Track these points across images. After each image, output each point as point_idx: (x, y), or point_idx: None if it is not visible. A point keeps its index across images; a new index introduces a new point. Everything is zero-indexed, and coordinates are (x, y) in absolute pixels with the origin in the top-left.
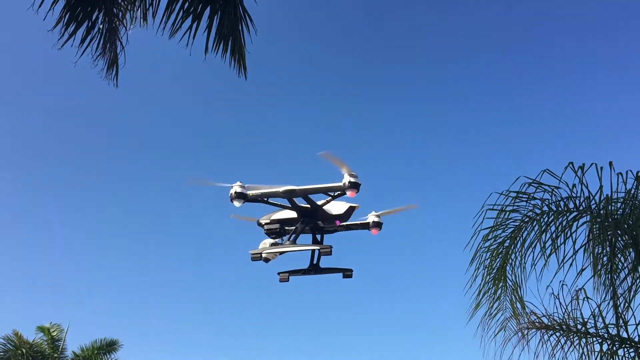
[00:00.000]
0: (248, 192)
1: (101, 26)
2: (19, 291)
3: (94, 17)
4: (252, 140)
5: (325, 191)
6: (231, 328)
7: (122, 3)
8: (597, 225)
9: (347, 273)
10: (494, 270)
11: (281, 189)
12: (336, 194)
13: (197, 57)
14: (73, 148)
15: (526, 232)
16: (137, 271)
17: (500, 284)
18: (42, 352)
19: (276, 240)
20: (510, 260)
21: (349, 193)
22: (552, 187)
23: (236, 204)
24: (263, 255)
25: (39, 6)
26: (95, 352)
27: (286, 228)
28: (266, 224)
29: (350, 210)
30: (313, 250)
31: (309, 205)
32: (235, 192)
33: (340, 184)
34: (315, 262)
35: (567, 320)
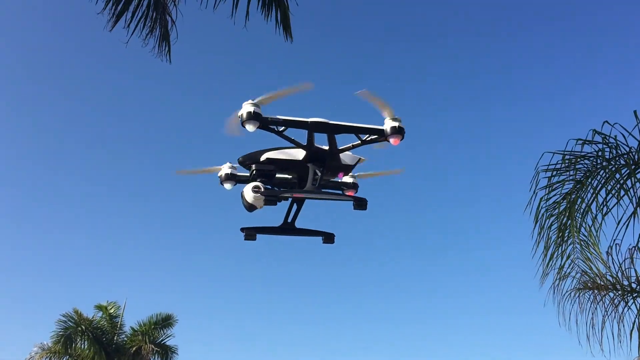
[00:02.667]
0: (267, 117)
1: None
2: (77, 269)
3: None
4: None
5: (362, 132)
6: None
7: None
8: None
9: (328, 237)
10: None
11: (309, 119)
12: (371, 138)
13: (239, 27)
14: (133, 130)
15: (582, 191)
16: (182, 246)
17: (565, 244)
18: (101, 329)
19: (264, 186)
20: (570, 220)
21: (392, 140)
22: (606, 143)
23: (227, 186)
24: (258, 201)
25: None
26: (152, 327)
27: (277, 175)
28: (259, 162)
29: (354, 166)
30: (291, 205)
31: (326, 148)
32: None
33: (382, 127)
34: (290, 220)
35: (622, 279)
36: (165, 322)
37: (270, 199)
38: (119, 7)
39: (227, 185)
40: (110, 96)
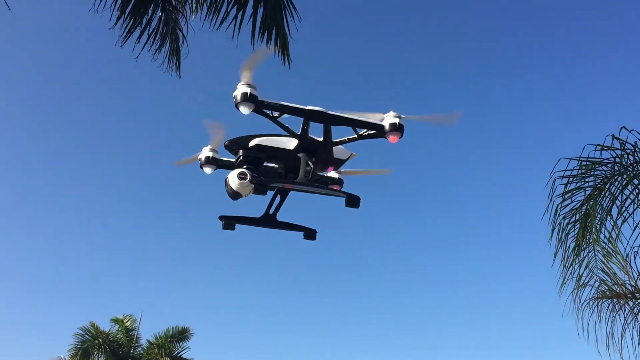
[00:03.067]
0: (263, 100)
1: (160, 16)
2: (92, 284)
3: (151, 10)
4: None
5: (360, 126)
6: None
7: None
8: None
9: (309, 234)
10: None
11: (307, 107)
12: (369, 133)
13: (242, 49)
14: (148, 141)
15: (599, 197)
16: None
17: (584, 252)
18: (118, 342)
19: (251, 174)
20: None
21: (390, 137)
22: (623, 149)
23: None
24: (244, 189)
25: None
26: (168, 340)
27: (265, 164)
28: (247, 148)
29: (345, 160)
30: (274, 197)
31: (320, 139)
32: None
33: (381, 122)
34: (272, 211)
35: None
36: (182, 335)
37: (260, 187)
38: (130, 23)
39: (207, 170)
40: (131, 110)
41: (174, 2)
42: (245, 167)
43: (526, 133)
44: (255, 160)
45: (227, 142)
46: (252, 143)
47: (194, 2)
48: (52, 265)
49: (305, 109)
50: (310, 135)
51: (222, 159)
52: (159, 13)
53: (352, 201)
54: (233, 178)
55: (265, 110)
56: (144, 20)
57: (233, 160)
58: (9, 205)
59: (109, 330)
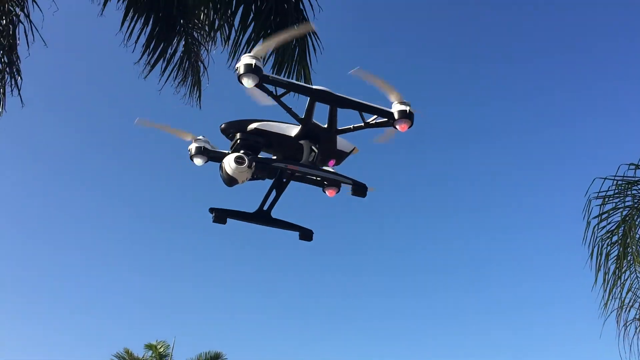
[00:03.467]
0: (268, 74)
1: (183, 50)
2: (126, 307)
3: (174, 43)
4: None
5: (369, 111)
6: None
7: (203, 26)
8: None
9: (305, 234)
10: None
11: (314, 86)
12: (377, 121)
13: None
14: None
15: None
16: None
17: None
18: None
19: (247, 158)
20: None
21: (399, 126)
22: None
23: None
24: (241, 174)
25: (127, 39)
26: None
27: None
28: (245, 132)
29: (349, 153)
30: (269, 191)
31: (324, 126)
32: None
33: (391, 110)
34: (267, 208)
35: None
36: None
37: (259, 172)
38: (154, 57)
39: (198, 161)
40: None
41: (196, 35)
42: (242, 151)
43: (558, 152)
44: (254, 145)
45: (223, 125)
46: (250, 127)
47: (216, 35)
48: (89, 289)
49: (312, 88)
50: (314, 121)
51: (215, 150)
52: (182, 47)
53: (359, 190)
54: (229, 162)
55: (268, 88)
56: (167, 53)
57: (226, 152)
58: (50, 224)
59: (143, 357)
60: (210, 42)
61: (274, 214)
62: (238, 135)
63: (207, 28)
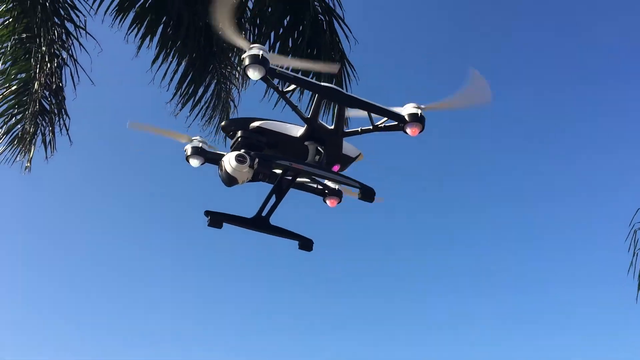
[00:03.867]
0: (276, 66)
1: (214, 89)
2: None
3: (207, 81)
4: None
5: (378, 113)
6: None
7: (235, 67)
8: None
9: (305, 244)
10: None
11: (323, 84)
12: (386, 125)
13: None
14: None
15: None
16: None
17: None
18: None
19: (249, 157)
20: None
21: (409, 130)
22: None
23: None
24: (242, 174)
25: (162, 79)
26: None
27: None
28: (247, 130)
29: (354, 159)
30: (269, 196)
31: (330, 127)
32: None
33: (401, 112)
34: (265, 213)
35: None
36: None
37: (261, 170)
38: (186, 97)
39: (194, 162)
40: None
41: (226, 73)
42: (243, 150)
43: (594, 180)
44: (256, 144)
45: (225, 123)
46: (253, 125)
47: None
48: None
49: (321, 85)
50: (320, 122)
51: (213, 151)
52: (212, 87)
53: (367, 194)
54: (230, 160)
55: (274, 83)
56: (198, 94)
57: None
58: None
59: None
60: (243, 80)
61: (273, 220)
62: (239, 133)
63: (239, 68)
